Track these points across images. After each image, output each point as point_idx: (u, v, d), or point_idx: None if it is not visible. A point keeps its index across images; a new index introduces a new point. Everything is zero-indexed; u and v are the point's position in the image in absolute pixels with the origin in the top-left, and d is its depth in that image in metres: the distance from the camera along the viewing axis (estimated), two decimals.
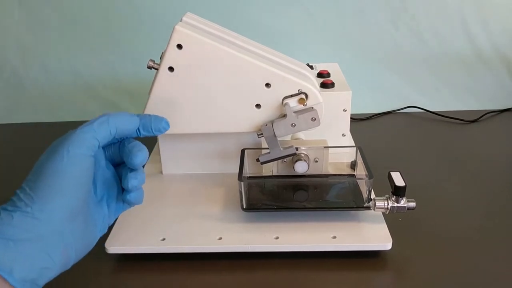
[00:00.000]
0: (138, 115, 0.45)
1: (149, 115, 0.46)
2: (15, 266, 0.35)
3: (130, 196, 0.44)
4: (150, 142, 0.63)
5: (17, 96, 0.97)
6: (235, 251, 0.49)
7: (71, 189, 0.38)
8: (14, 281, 0.34)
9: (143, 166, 0.46)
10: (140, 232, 0.50)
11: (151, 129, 0.45)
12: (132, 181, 0.43)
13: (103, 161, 0.45)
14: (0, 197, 0.41)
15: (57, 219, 0.37)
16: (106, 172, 0.45)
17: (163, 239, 0.50)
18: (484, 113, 0.87)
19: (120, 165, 0.46)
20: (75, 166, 0.39)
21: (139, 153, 0.43)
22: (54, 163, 0.38)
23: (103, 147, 0.45)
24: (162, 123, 0.46)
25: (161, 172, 0.64)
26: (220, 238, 0.50)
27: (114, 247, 0.48)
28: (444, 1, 0.89)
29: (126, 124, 0.43)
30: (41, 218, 0.36)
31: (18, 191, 0.38)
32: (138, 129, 0.45)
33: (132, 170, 0.44)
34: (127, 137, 0.46)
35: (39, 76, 0.96)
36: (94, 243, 0.43)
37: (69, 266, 0.39)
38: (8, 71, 0.96)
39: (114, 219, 0.46)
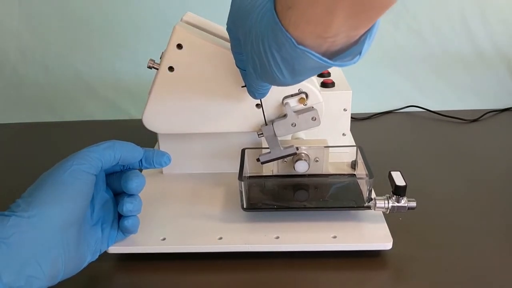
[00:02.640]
0: (143, 148, 0.47)
1: (153, 149, 0.49)
2: (5, 270, 0.35)
3: (128, 222, 0.46)
4: (150, 142, 0.64)
5: (17, 96, 0.97)
6: (235, 251, 0.49)
7: (68, 199, 0.39)
8: (2, 285, 0.34)
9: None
10: (140, 232, 0.50)
11: (153, 162, 0.48)
12: (127, 205, 0.45)
13: (103, 186, 0.47)
14: (0, 196, 0.41)
15: (51, 226, 0.38)
16: (104, 196, 0.47)
17: (163, 239, 0.50)
18: (484, 112, 0.87)
19: (119, 194, 0.48)
20: (76, 180, 0.40)
21: (135, 178, 0.45)
22: (56, 175, 0.40)
23: (106, 174, 0.47)
24: (164, 157, 0.49)
25: (161, 172, 0.64)
26: (221, 238, 0.49)
27: (114, 247, 0.48)
28: (445, 0, 0.89)
29: (130, 152, 0.46)
30: (35, 223, 0.37)
31: (18, 200, 0.38)
32: (141, 160, 0.48)
33: (130, 196, 0.46)
34: (129, 167, 0.48)
35: (39, 76, 0.96)
36: (84, 265, 0.43)
37: (56, 281, 0.39)
38: (8, 71, 0.96)
39: (106, 247, 0.47)
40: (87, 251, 0.43)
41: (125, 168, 0.48)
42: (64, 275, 0.40)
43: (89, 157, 0.42)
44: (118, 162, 0.45)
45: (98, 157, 0.42)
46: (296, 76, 0.36)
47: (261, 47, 0.35)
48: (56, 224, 0.38)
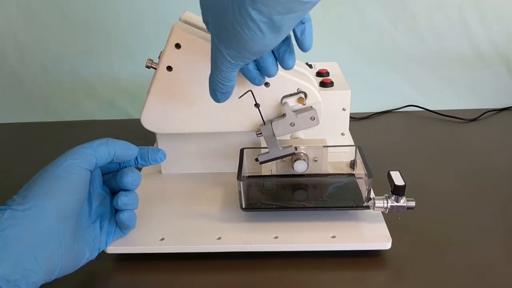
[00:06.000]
0: (138, 146, 0.48)
1: (148, 147, 0.49)
2: (1, 262, 0.35)
3: (124, 216, 0.47)
4: (149, 142, 0.63)
5: (15, 96, 0.97)
6: (234, 251, 0.49)
7: (62, 192, 0.40)
8: None
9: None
10: (138, 232, 0.50)
11: (148, 158, 0.49)
12: (122, 198, 0.46)
13: (99, 183, 0.47)
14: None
15: (46, 218, 0.38)
16: (101, 194, 0.48)
17: (162, 239, 0.50)
18: (483, 112, 0.87)
19: (117, 193, 0.48)
20: (70, 174, 0.41)
21: (130, 173, 0.46)
22: (51, 170, 0.41)
23: (103, 174, 0.48)
24: (159, 154, 0.49)
25: (160, 172, 0.64)
26: (219, 238, 0.49)
27: (113, 247, 0.48)
28: (444, 0, 0.89)
29: (124, 149, 0.46)
30: (30, 215, 0.37)
31: (14, 196, 0.39)
32: (136, 158, 0.48)
33: (125, 191, 0.47)
34: (125, 165, 0.49)
35: (38, 76, 0.96)
36: (82, 262, 0.43)
37: (53, 277, 0.39)
38: (7, 71, 0.96)
39: (105, 245, 0.47)
40: (85, 247, 0.43)
41: (121, 166, 0.49)
42: (61, 270, 0.40)
43: (83, 152, 0.42)
44: (113, 159, 0.45)
45: (91, 152, 0.43)
46: (276, 28, 0.36)
47: (236, 10, 0.35)
48: (51, 217, 0.38)
